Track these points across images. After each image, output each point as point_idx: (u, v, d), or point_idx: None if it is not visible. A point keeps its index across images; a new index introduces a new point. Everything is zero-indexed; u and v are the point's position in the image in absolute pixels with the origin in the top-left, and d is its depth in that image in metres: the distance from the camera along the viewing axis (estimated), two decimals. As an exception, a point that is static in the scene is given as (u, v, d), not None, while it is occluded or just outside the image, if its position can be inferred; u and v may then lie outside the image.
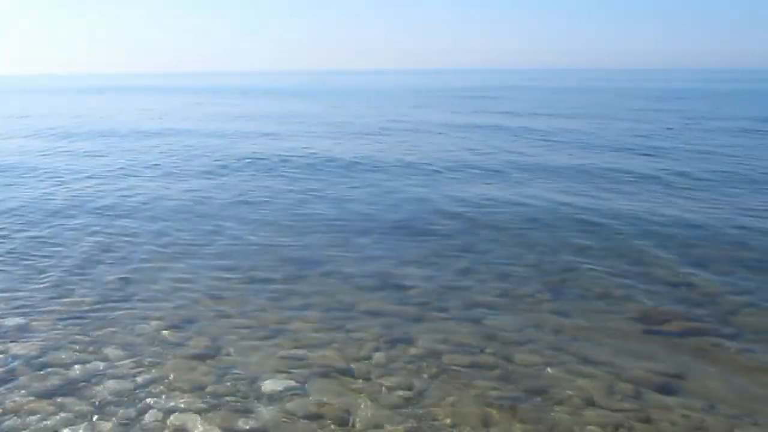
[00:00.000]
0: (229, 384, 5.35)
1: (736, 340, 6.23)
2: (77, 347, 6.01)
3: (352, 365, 5.65)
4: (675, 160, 16.86)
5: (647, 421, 4.81)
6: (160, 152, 19.67)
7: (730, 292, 7.39)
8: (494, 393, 5.18)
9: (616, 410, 4.95)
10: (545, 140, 21.59)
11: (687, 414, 4.90)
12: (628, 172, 15.01)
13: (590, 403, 5.04)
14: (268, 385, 5.30)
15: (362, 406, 5.00)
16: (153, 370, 5.57)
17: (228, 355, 5.87)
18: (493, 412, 4.93)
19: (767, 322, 6.59)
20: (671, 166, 15.85)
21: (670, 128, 24.84)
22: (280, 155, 18.44)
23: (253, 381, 5.38)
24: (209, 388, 5.28)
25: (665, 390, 5.27)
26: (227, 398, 5.14)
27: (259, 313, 6.80)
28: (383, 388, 5.26)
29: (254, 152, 19.11)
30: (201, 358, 5.81)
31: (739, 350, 6.01)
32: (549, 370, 5.59)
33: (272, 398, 5.13)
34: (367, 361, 5.72)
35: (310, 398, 5.13)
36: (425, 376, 5.47)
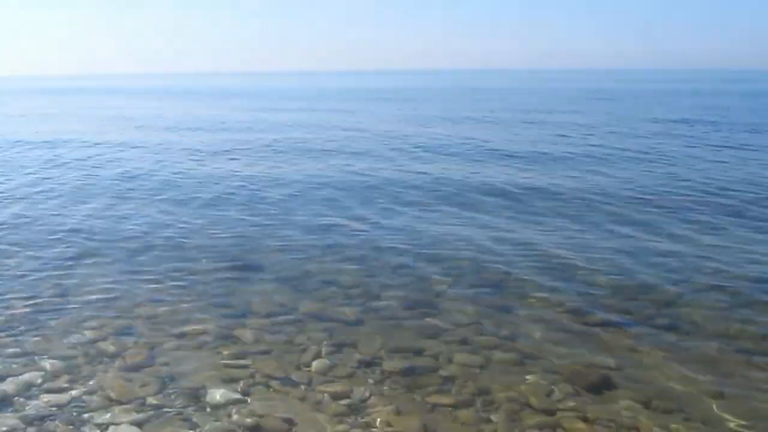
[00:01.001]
0: (169, 395, 5.26)
1: (670, 332, 6.41)
2: (9, 360, 5.83)
3: (294, 373, 5.62)
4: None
5: (585, 419, 4.90)
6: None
7: (664, 286, 7.60)
8: (435, 397, 5.22)
9: (555, 409, 5.04)
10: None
11: (623, 409, 5.02)
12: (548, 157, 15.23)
13: (529, 403, 5.12)
14: (210, 396, 5.23)
15: (305, 415, 4.98)
16: (89, 383, 5.44)
17: (167, 364, 5.78)
18: (435, 416, 4.96)
19: (700, 315, 6.80)
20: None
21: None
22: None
23: (195, 391, 5.31)
24: (149, 400, 5.18)
25: (602, 385, 5.37)
26: (168, 410, 5.06)
27: (199, 321, 6.70)
28: (325, 395, 5.25)
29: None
30: (139, 368, 5.70)
31: (673, 343, 6.18)
32: (489, 370, 5.66)
33: (214, 409, 5.07)
34: (308, 369, 5.69)
35: (252, 408, 5.08)
36: (368, 381, 5.47)
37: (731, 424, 4.82)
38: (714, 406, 5.08)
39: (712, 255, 8.64)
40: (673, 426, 4.81)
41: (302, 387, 5.39)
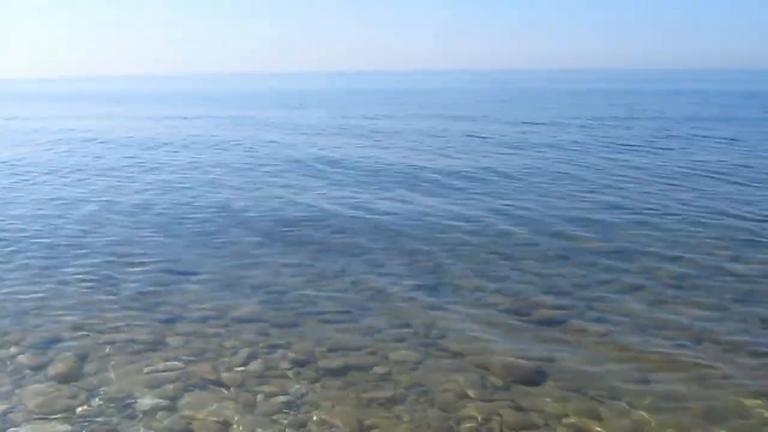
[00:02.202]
0: (99, 404, 5.12)
1: (600, 324, 6.58)
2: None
3: (227, 375, 5.54)
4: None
5: (519, 408, 4.98)
6: None
7: (593, 280, 7.81)
8: (372, 393, 5.22)
9: (490, 401, 5.10)
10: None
11: (554, 398, 5.12)
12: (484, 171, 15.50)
13: (464, 396, 5.17)
14: (141, 403, 5.11)
15: (238, 416, 4.92)
16: (13, 397, 5.23)
17: (96, 373, 5.62)
18: (372, 412, 4.96)
19: (627, 307, 6.99)
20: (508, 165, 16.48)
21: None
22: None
23: (125, 399, 5.17)
24: (79, 410, 5.03)
25: (535, 377, 5.47)
26: (98, 419, 4.91)
27: (127, 328, 6.54)
28: (259, 396, 5.20)
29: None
30: (67, 379, 5.52)
31: (602, 334, 6.35)
32: (424, 365, 5.69)
33: (146, 416, 4.95)
34: (242, 370, 5.63)
35: (185, 413, 4.98)
36: (303, 380, 5.44)
37: (656, 410, 4.95)
38: (640, 393, 5.22)
39: (641, 251, 8.92)
40: (601, 412, 4.92)
41: (235, 388, 5.32)
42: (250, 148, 21.30)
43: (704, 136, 22.01)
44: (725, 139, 21.20)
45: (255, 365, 5.71)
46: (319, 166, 16.95)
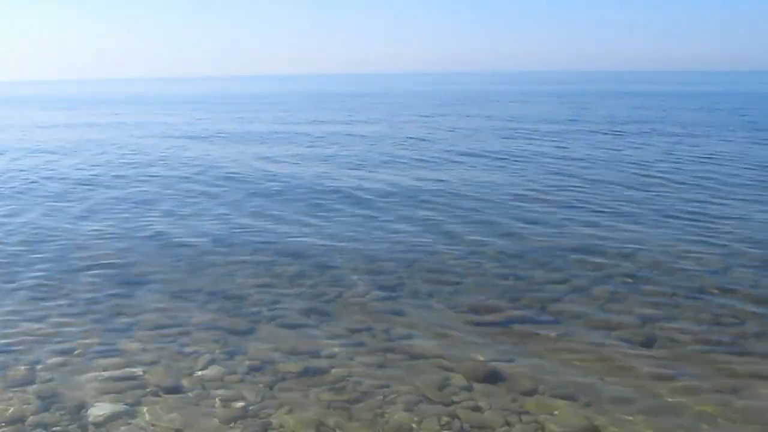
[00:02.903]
0: (53, 412, 5.03)
1: (556, 325, 6.68)
2: None
3: (185, 381, 5.49)
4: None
5: (477, 409, 5.04)
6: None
7: (549, 282, 7.92)
8: (330, 397, 5.22)
9: (449, 403, 5.14)
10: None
11: (513, 398, 5.19)
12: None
13: (423, 399, 5.20)
14: (96, 411, 5.03)
15: (196, 422, 4.88)
16: (-38, 406, 5.12)
17: (50, 381, 5.52)
18: (330, 417, 4.96)
19: (582, 309, 7.10)
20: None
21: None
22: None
23: (80, 407, 5.10)
24: (31, 419, 4.94)
25: (493, 378, 5.54)
26: (53, 428, 4.83)
27: (82, 334, 6.44)
28: (217, 401, 5.16)
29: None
30: (19, 386, 5.42)
31: (558, 335, 6.45)
32: (383, 369, 5.71)
33: (101, 424, 4.87)
34: (200, 376, 5.59)
35: (141, 420, 4.93)
36: (261, 386, 5.42)
37: (611, 410, 5.04)
38: (595, 392, 5.31)
39: (593, 250, 9.09)
40: (558, 411, 5.00)
41: (194, 394, 5.28)
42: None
43: (651, 133, 22.46)
44: (672, 137, 21.65)
45: (213, 371, 5.67)
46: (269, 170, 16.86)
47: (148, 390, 5.35)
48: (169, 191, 14.13)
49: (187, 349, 6.10)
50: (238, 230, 10.56)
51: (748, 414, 4.98)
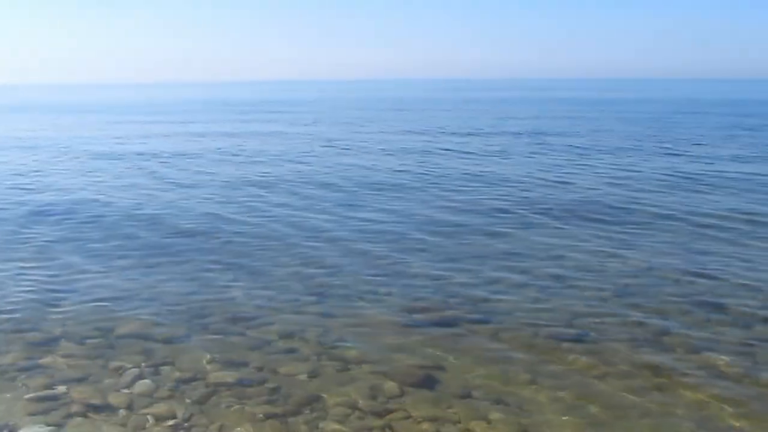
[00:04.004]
0: (-29, 437, 4.83)
1: (488, 324, 6.77)
2: None
3: (113, 398, 5.32)
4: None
5: (410, 417, 5.04)
6: None
7: (481, 280, 8.03)
8: (263, 408, 5.15)
9: (383, 410, 5.14)
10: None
11: (446, 404, 5.22)
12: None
13: (356, 409, 5.17)
14: (21, 432, 4.85)
15: (127, 441, 4.76)
16: None
17: (-31, 402, 5.29)
18: (264, 427, 4.90)
19: (513, 306, 7.24)
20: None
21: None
22: None
23: (3, 429, 4.89)
24: (-54, 445, 4.73)
25: (426, 383, 5.56)
26: (-30, 453, 4.65)
27: (2, 352, 6.18)
28: (149, 417, 5.04)
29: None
30: (-64, 409, 5.18)
31: (491, 334, 6.54)
32: (317, 377, 5.67)
33: (25, 447, 4.71)
34: (129, 392, 5.43)
35: (69, 441, 4.78)
36: (193, 398, 5.30)
37: (545, 407, 5.14)
38: (529, 391, 5.42)
39: (521, 252, 9.24)
40: (492, 415, 5.06)
41: (123, 411, 5.12)
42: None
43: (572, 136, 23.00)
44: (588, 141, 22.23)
45: (142, 385, 5.51)
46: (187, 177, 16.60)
47: (74, 409, 5.14)
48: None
49: (115, 363, 5.91)
50: (164, 238, 10.32)
51: (672, 408, 5.14)
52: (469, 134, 26.90)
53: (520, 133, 26.64)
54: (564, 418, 5.03)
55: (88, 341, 6.41)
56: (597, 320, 6.86)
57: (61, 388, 5.47)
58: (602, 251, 9.28)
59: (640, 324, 6.78)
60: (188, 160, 19.57)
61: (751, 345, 6.28)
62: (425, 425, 4.95)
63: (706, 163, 17.54)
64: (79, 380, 5.62)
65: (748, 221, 10.87)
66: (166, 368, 5.83)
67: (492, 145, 22.49)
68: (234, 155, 20.66)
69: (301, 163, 18.63)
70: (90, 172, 17.36)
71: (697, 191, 13.59)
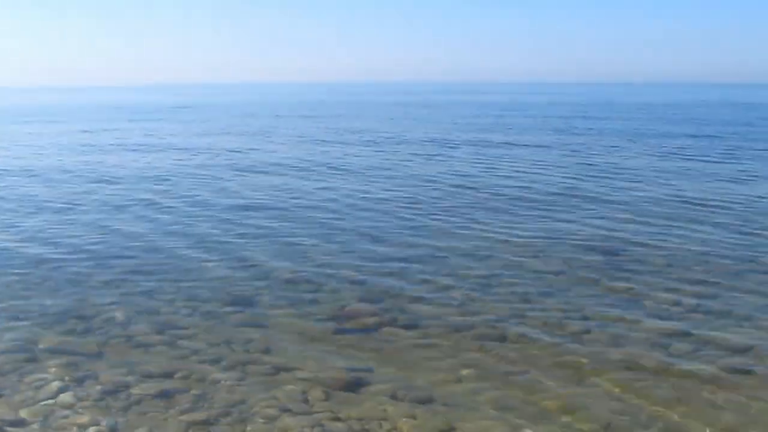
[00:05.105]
0: None
1: (414, 328, 6.85)
2: None
3: (32, 412, 5.16)
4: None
5: (338, 419, 5.06)
6: None
7: (406, 284, 8.12)
8: (188, 416, 5.09)
9: (310, 414, 5.13)
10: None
11: (374, 405, 5.26)
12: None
13: (285, 411, 5.17)
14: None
15: (47, 455, 4.62)
16: None
17: None
18: (189, 435, 4.85)
19: (439, 309, 7.34)
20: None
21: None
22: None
23: None
24: None
25: (354, 386, 5.59)
26: None
27: None
28: (74, 429, 4.90)
29: None
30: None
31: (416, 337, 6.62)
32: (243, 384, 5.63)
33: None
34: (49, 405, 5.27)
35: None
36: (116, 409, 5.20)
37: (469, 408, 5.22)
38: (455, 388, 5.53)
39: (449, 254, 9.38)
40: (419, 413, 5.13)
41: (41, 426, 4.97)
42: None
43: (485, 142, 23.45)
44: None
45: (64, 398, 5.35)
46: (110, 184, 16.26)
47: (-9, 425, 5.00)
48: None
49: (33, 377, 5.74)
50: (84, 246, 10.06)
51: (592, 402, 5.31)
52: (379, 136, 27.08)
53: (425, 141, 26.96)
54: (490, 412, 5.13)
55: (5, 355, 6.19)
56: (520, 318, 7.02)
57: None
58: (526, 250, 9.52)
59: (562, 319, 6.97)
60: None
61: (669, 336, 6.55)
62: (354, 426, 4.97)
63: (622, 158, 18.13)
64: (-5, 396, 5.43)
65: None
66: (88, 381, 5.68)
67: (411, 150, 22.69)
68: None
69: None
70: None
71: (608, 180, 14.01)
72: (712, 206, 12.54)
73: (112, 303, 7.55)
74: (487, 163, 19.09)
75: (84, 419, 5.04)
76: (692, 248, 9.55)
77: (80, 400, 5.35)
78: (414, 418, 5.06)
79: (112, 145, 25.66)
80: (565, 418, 5.07)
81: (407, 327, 6.87)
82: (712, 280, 8.18)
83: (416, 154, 21.45)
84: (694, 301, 7.47)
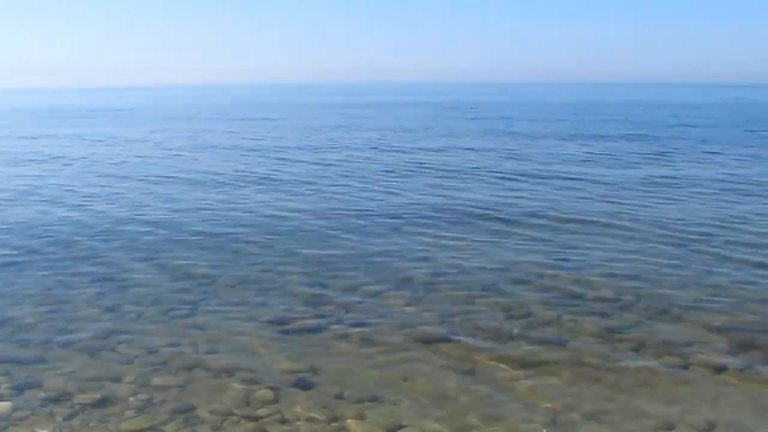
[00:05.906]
0: None
1: (360, 327, 6.89)
2: None
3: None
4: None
5: (285, 421, 5.06)
6: None
7: (352, 284, 8.17)
8: (132, 423, 5.02)
9: (257, 416, 5.12)
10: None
11: (320, 405, 5.27)
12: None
13: (230, 414, 5.14)
14: None
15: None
16: None
17: None
18: (134, 442, 4.78)
19: (384, 309, 7.40)
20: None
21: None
22: None
23: None
24: None
25: (300, 387, 5.59)
26: None
27: None
28: (11, 440, 4.80)
29: None
30: None
31: (362, 337, 6.65)
32: (188, 388, 5.58)
33: None
34: (-12, 415, 5.14)
35: None
36: (58, 418, 5.09)
37: (418, 406, 5.27)
38: (401, 388, 5.56)
39: (393, 254, 9.44)
40: (366, 412, 5.16)
41: (-20, 436, 4.87)
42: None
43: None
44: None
45: (4, 407, 5.22)
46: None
47: None
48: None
49: (-30, 387, 5.58)
50: (20, 251, 9.81)
51: (538, 395, 5.44)
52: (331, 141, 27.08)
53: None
54: (436, 411, 5.18)
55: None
56: (465, 318, 7.11)
57: None
58: (469, 251, 9.65)
59: (506, 319, 7.09)
60: None
61: (611, 332, 6.72)
62: (301, 427, 4.98)
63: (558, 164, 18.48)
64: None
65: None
66: (28, 390, 5.53)
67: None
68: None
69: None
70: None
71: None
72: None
73: (52, 309, 7.39)
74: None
75: (22, 430, 4.92)
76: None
77: (19, 409, 5.21)
78: (362, 417, 5.09)
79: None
80: (511, 413, 5.15)
81: (354, 327, 6.89)
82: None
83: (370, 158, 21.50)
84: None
